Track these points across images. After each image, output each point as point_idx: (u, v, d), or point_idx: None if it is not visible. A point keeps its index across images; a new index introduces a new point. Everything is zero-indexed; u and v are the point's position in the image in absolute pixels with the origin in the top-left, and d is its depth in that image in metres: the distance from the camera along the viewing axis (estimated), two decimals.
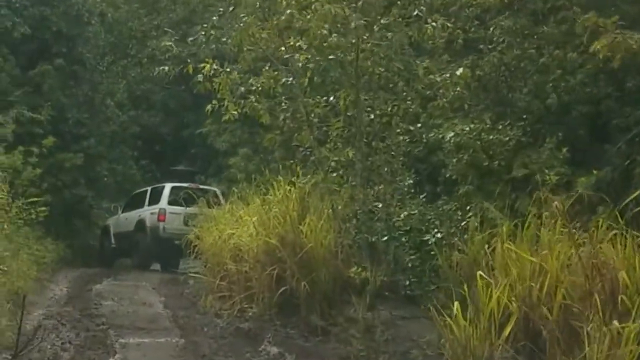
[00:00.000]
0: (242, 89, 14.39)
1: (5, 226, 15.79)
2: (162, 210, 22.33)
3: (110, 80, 30.21)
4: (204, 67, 14.25)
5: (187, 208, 20.98)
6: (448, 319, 9.68)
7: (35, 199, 19.18)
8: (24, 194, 18.97)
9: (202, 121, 38.12)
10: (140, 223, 23.49)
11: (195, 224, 18.37)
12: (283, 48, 13.71)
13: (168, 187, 22.78)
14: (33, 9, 26.81)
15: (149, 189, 24.56)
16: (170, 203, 22.32)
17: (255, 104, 14.08)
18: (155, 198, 23.26)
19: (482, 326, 9.34)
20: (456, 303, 9.66)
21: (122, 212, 25.78)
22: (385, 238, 12.85)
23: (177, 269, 23.80)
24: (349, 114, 13.54)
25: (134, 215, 24.25)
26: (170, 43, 16.02)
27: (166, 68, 15.32)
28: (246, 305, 14.24)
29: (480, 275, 9.81)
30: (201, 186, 22.57)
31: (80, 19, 28.06)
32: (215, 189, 22.49)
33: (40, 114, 24.96)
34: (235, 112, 14.25)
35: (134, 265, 24.16)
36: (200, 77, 14.10)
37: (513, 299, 9.54)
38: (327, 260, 12.79)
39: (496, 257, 10.35)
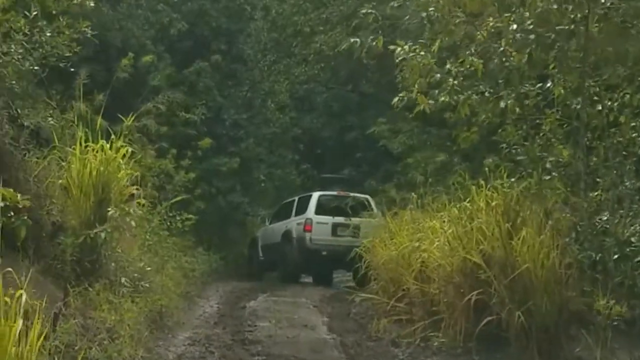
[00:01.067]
0: (438, 75, 11.79)
1: (147, 236, 13.70)
2: (308, 220, 20.99)
3: (272, 80, 28.06)
4: (395, 48, 11.79)
5: (335, 217, 20.26)
6: None
7: (185, 213, 17.14)
8: (173, 201, 16.93)
9: (367, 124, 36.26)
10: (287, 234, 22.20)
11: (352, 234, 18.07)
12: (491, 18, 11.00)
13: (315, 195, 21.47)
14: (192, 4, 25.16)
15: (296, 198, 23.23)
16: (317, 212, 21.01)
17: (458, 91, 11.42)
18: (302, 208, 21.96)
19: None
20: None
21: (270, 223, 24.49)
22: (617, 256, 9.97)
23: (330, 283, 22.52)
24: (568, 103, 10.70)
25: (281, 226, 22.97)
26: (371, 11, 13.51)
27: (358, 40, 12.84)
28: (431, 333, 11.81)
29: None
30: (351, 194, 21.11)
31: (242, 13, 26.21)
32: (366, 196, 21.12)
33: (194, 114, 23.12)
34: (428, 104, 11.67)
35: (281, 278, 22.80)
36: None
37: None
38: (549, 284, 9.97)
39: None
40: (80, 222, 11.12)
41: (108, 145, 11.24)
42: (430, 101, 11.99)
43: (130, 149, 11.58)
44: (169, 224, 16.48)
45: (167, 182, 21.34)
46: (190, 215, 17.45)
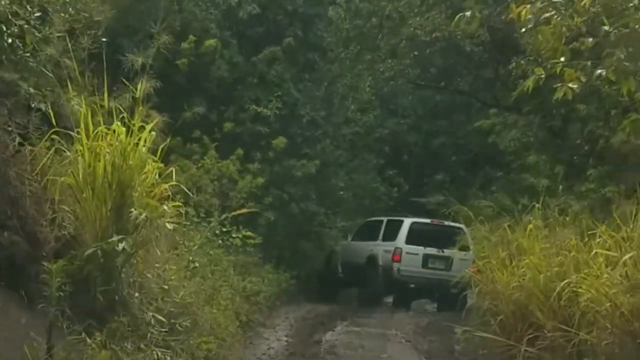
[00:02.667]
0: (590, 40, 8.46)
1: (194, 256, 10.43)
2: (398, 250, 19.61)
3: (354, 73, 24.55)
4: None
5: (427, 248, 19.22)
6: None
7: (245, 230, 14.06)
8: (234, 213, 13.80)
9: (456, 129, 32.85)
10: (372, 259, 20.50)
11: (444, 267, 17.80)
12: None
13: (407, 223, 19.93)
14: None
15: (385, 220, 21.37)
16: (408, 241, 19.60)
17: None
18: (391, 232, 20.37)
19: None
20: None
21: (353, 239, 22.60)
22: None
23: (409, 308, 20.60)
24: None
25: (366, 247, 21.19)
26: None
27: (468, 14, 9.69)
28: None
29: None
30: (446, 223, 19.17)
31: None
32: (461, 226, 18.73)
33: (267, 109, 19.92)
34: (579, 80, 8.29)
35: (361, 302, 21.03)
36: None
37: None
38: None
39: None
40: (92, 235, 7.95)
41: (124, 129, 7.95)
42: (582, 78, 8.51)
43: (152, 133, 8.23)
44: (225, 240, 13.26)
45: (230, 189, 18.21)
46: (250, 234, 14.17)
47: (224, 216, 13.57)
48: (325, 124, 22.53)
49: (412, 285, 19.19)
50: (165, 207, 7.80)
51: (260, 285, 16.11)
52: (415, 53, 23.70)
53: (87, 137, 8.02)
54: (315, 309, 18.78)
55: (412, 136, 31.80)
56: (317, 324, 15.89)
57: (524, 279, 10.36)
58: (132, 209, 7.57)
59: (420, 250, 19.32)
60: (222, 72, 19.95)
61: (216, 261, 12.25)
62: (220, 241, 12.81)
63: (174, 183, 8.63)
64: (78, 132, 8.02)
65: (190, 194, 13.09)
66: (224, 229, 13.49)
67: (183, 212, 9.86)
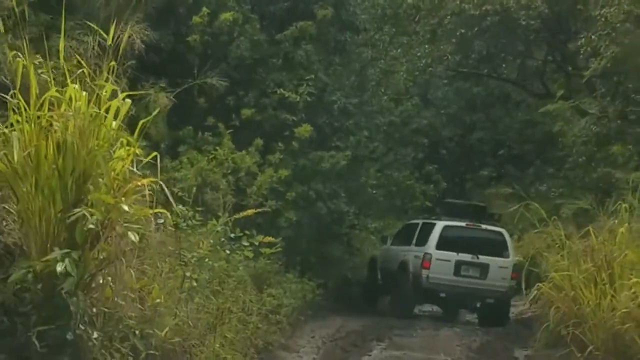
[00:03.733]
0: None
1: (187, 275, 7.84)
2: (427, 256, 17.76)
3: (390, 57, 21.92)
4: None
5: (460, 254, 17.52)
6: None
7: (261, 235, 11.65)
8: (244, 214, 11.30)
9: (491, 126, 30.43)
10: (403, 265, 18.64)
11: (479, 275, 16.72)
12: None
13: (439, 226, 18.07)
14: None
15: (421, 222, 19.45)
16: (439, 247, 17.78)
17: None
18: (424, 237, 18.46)
19: None
20: None
21: (392, 243, 20.55)
22: None
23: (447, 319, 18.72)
24: None
25: (400, 252, 19.37)
26: None
27: None
28: None
29: None
30: (483, 226, 17.93)
31: None
32: (501, 229, 17.95)
33: (296, 93, 17.38)
34: None
35: (392, 312, 18.82)
36: None
37: None
38: None
39: None
40: (38, 248, 5.49)
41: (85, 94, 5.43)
42: None
43: (127, 101, 5.72)
44: (235, 248, 10.79)
45: (247, 184, 15.74)
46: (270, 239, 11.65)
47: (232, 217, 10.97)
48: (357, 112, 19.95)
49: (443, 295, 17.60)
50: (125, 207, 5.26)
51: (281, 299, 13.64)
52: (459, 33, 20.98)
53: (29, 104, 5.55)
54: (347, 324, 16.25)
55: (448, 130, 29.55)
56: (349, 346, 13.37)
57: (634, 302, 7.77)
58: (84, 210, 5.06)
59: (452, 256, 17.59)
60: (242, 51, 17.43)
61: (223, 276, 9.72)
62: (227, 251, 10.28)
63: (152, 180, 5.98)
64: (15, 97, 5.53)
65: (190, 194, 10.77)
66: (234, 235, 10.92)
67: (179, 214, 7.36)
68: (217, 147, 14.92)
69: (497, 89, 33.70)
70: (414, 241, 18.70)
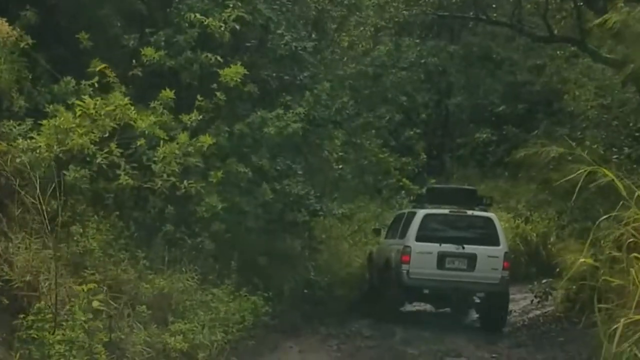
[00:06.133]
0: None
1: None
2: (407, 249, 16.12)
3: None
4: None
5: (443, 245, 15.96)
6: None
7: None
8: None
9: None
10: (388, 262, 16.89)
11: (465, 267, 15.42)
12: None
13: (419, 215, 16.49)
14: None
15: (406, 212, 17.82)
16: (419, 238, 16.15)
17: None
18: (406, 228, 16.71)
19: None
20: None
21: (385, 237, 18.47)
22: None
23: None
24: None
25: (387, 246, 17.67)
26: None
27: None
28: None
29: None
30: (469, 212, 16.43)
31: None
32: (489, 215, 16.50)
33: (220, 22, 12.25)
34: None
35: (379, 315, 16.48)
36: None
37: None
38: None
39: None
40: None
41: None
42: None
43: None
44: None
45: (149, 156, 10.60)
46: None
47: None
48: (313, 61, 14.83)
49: (426, 291, 16.10)
50: None
51: (198, 334, 8.56)
52: None
53: None
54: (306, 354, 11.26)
55: (422, 96, 25.17)
56: None
57: None
58: None
59: (435, 247, 16.02)
60: None
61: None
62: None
63: None
64: None
65: None
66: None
67: None
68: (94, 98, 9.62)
69: (478, 45, 29.53)
70: (398, 234, 16.97)
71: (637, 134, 16.34)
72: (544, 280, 16.94)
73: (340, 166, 17.30)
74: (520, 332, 15.58)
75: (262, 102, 13.72)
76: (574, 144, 12.47)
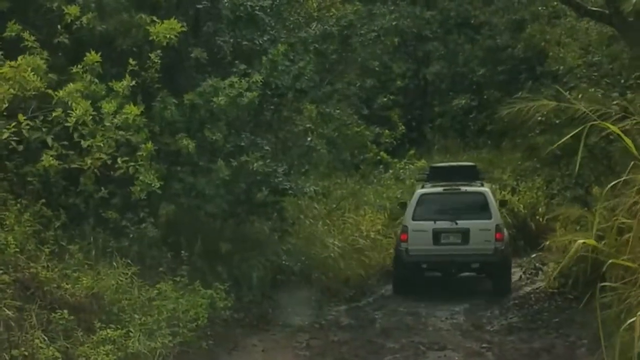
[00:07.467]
0: None
1: None
2: (404, 228, 16.92)
3: None
4: None
5: (437, 222, 16.47)
6: None
7: None
8: None
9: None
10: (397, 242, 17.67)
11: (459, 241, 16.15)
12: None
13: (416, 195, 17.15)
14: None
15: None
16: (416, 217, 16.76)
17: None
18: (406, 208, 17.56)
19: None
20: None
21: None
22: None
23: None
24: None
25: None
26: None
27: None
28: None
29: None
30: (463, 188, 16.83)
31: None
32: (483, 189, 16.83)
33: None
34: None
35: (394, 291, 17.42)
36: None
37: None
38: None
39: None
40: None
41: None
42: None
43: None
44: None
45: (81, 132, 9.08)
46: None
47: None
48: (272, 21, 13.32)
49: (424, 266, 16.81)
50: None
51: (135, 341, 7.11)
52: None
53: None
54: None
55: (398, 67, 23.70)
56: None
57: None
58: None
59: (430, 225, 16.67)
60: None
61: None
62: None
63: None
64: None
65: None
66: None
67: None
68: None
69: (455, 9, 28.17)
70: (405, 214, 17.60)
71: (629, 93, 15.32)
72: (533, 254, 16.89)
73: (310, 139, 15.80)
74: (511, 312, 14.46)
75: (217, 71, 12.24)
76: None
